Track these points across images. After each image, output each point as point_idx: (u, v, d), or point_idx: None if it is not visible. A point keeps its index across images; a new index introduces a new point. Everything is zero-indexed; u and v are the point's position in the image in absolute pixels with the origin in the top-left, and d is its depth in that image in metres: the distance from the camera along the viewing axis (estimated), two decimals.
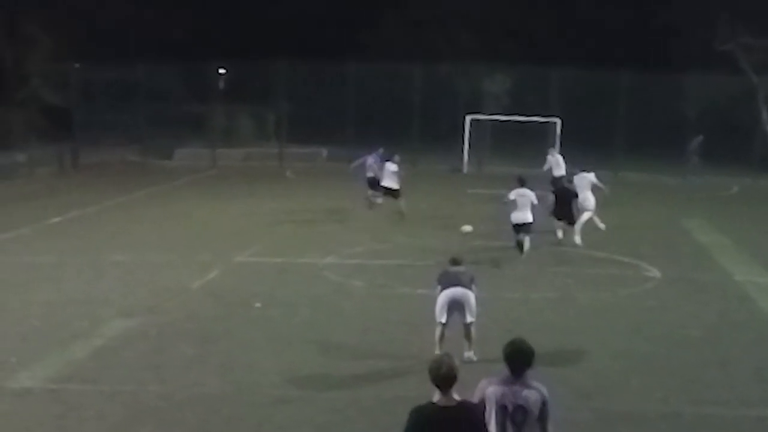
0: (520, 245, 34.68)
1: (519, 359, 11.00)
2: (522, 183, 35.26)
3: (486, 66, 66.94)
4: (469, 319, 21.70)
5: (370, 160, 45.83)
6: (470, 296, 21.70)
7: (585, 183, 39.88)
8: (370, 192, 44.77)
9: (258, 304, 27.18)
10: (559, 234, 37.58)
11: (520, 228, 34.84)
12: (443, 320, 21.53)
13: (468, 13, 74.53)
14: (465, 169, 57.72)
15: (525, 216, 35.12)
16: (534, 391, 10.94)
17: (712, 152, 62.48)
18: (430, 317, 21.93)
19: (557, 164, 52.29)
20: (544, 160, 57.18)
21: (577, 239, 37.06)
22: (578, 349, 23.42)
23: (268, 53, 66.05)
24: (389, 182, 43.89)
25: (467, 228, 33.73)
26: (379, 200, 44.35)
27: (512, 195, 35.35)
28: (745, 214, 47.76)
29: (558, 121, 61.39)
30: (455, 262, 22.39)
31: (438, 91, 65.19)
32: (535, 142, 57.71)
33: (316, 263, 32.79)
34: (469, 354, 21.59)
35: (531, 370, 11.11)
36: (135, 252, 34.15)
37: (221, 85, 69.63)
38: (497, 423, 10.67)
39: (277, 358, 22.20)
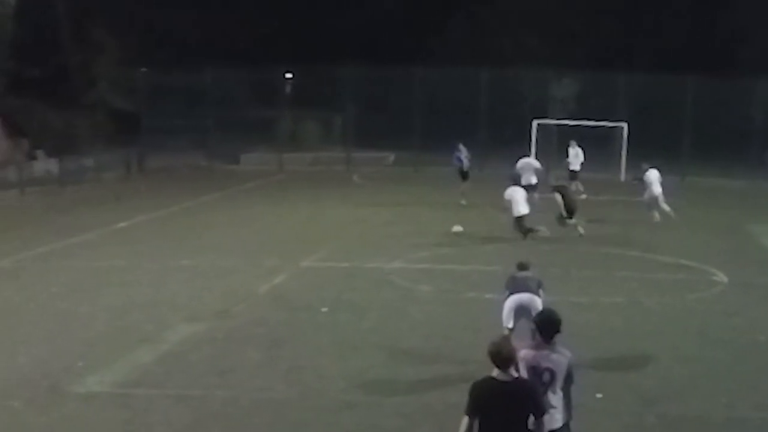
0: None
1: (549, 326, 11.52)
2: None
3: (553, 71, 66.79)
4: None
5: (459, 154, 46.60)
6: (537, 301, 21.31)
7: (655, 177, 41.82)
8: (462, 177, 45.66)
9: (325, 309, 27.12)
10: (581, 230, 38.64)
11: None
12: (510, 325, 21.27)
13: (535, 18, 74.35)
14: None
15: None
16: (561, 356, 11.54)
17: None
18: (496, 322, 21.52)
19: (576, 157, 53.01)
20: (610, 165, 57.31)
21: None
22: (644, 353, 23.21)
23: (334, 58, 66.04)
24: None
25: (457, 228, 35.13)
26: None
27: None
28: None
29: (625, 125, 61.19)
30: (522, 267, 22.21)
31: (504, 96, 64.81)
32: (601, 147, 57.54)
33: (382, 268, 32.73)
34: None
35: (559, 335, 11.44)
36: (202, 256, 34.30)
37: (288, 90, 69.60)
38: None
39: (343, 362, 22.15)
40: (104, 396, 19.83)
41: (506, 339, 11.45)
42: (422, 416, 14.17)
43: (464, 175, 46.39)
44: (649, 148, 60.86)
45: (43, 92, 64.74)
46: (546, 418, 10.98)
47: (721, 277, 32.61)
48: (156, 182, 55.50)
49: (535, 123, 61.76)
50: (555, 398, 11.61)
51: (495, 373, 10.55)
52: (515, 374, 10.75)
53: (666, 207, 41.51)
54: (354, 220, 43.33)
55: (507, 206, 37.59)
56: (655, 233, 40.86)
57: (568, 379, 11.50)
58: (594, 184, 52.23)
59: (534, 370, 11.55)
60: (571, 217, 37.98)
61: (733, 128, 63.86)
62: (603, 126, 59.95)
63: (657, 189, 42.29)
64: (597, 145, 55.81)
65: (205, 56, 65.97)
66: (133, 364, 22.03)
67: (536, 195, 44.86)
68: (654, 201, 42.13)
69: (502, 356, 10.57)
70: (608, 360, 22.69)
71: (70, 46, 70.02)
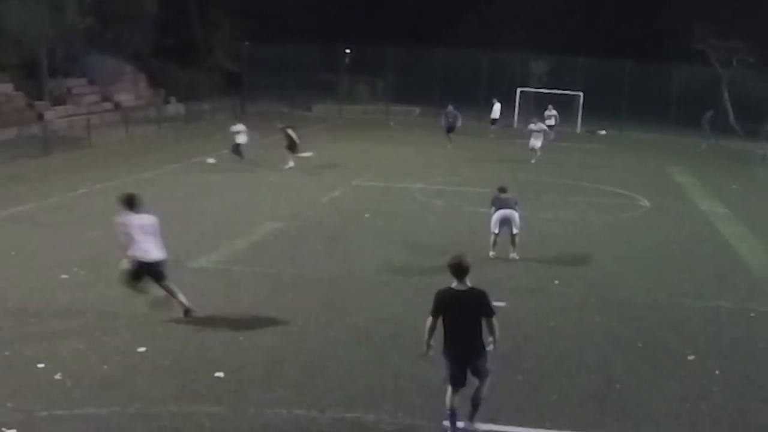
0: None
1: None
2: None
3: (533, 54, 66.56)
4: (515, 231, 21.96)
5: (450, 112, 46.22)
6: (516, 215, 21.97)
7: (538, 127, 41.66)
8: (448, 134, 45.04)
9: (367, 215, 27.29)
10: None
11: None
12: (496, 231, 21.91)
13: (522, 15, 73.88)
14: (515, 125, 57.05)
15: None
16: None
17: (691, 120, 61.77)
18: (486, 228, 22.12)
19: (496, 111, 54.86)
20: (570, 122, 57.13)
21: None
22: (590, 254, 23.37)
23: (379, 39, 65.79)
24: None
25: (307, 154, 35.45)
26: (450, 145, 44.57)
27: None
28: (709, 164, 47.03)
29: (581, 94, 60.78)
30: (502, 189, 22.73)
31: (498, 71, 64.59)
32: (565, 109, 57.27)
33: (409, 187, 32.70)
34: (513, 254, 21.98)
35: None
36: (282, 175, 34.29)
37: (346, 60, 69.45)
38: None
39: (379, 253, 22.32)
40: (211, 270, 19.99)
41: (463, 255, 10.96)
42: (432, 292, 14.11)
43: (450, 129, 45.79)
44: (597, 111, 61.16)
45: (175, 57, 64.94)
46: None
47: (645, 202, 32.59)
48: (253, 123, 55.15)
49: (518, 90, 61.31)
50: None
51: (454, 284, 10.68)
52: (469, 284, 10.70)
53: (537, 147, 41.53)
54: (390, 154, 43.13)
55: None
56: (599, 170, 40.72)
57: (485, 310, 10.96)
58: (559, 135, 51.87)
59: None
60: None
61: (657, 99, 63.56)
62: (566, 94, 59.54)
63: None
64: (562, 107, 55.52)
65: (289, 34, 65.97)
66: (231, 249, 22.14)
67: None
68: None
69: (461, 270, 10.68)
70: (564, 258, 22.74)
71: (196, 24, 69.88)
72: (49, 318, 16.07)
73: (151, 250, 15.60)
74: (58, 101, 48.96)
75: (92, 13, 46.22)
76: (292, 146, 35.96)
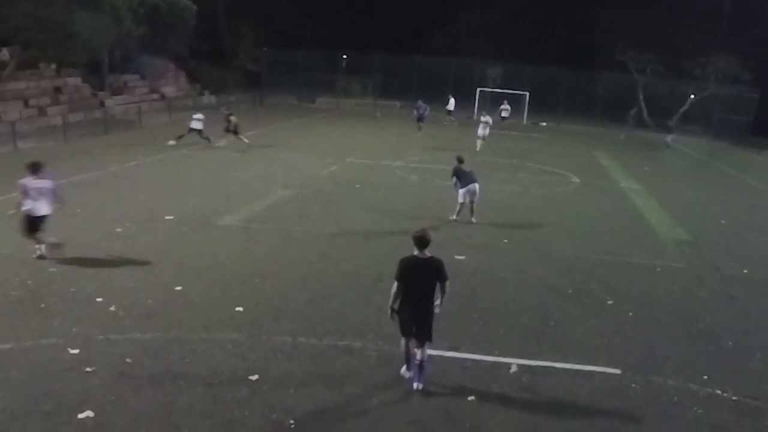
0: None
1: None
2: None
3: (489, 61, 66.32)
4: (476, 200, 21.84)
5: (420, 107, 45.84)
6: (478, 187, 21.85)
7: (486, 119, 40.24)
8: (418, 124, 44.63)
9: (357, 185, 27.03)
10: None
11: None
12: (462, 201, 21.77)
13: (482, 30, 73.60)
14: (475, 116, 56.70)
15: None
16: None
17: (613, 116, 61.83)
18: (449, 196, 22.27)
19: (451, 104, 54.33)
20: (518, 115, 57.04)
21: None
22: (531, 219, 23.33)
23: (371, 47, 65.60)
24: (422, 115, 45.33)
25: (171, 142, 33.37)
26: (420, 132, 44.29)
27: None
28: (627, 150, 46.98)
29: (527, 94, 60.51)
30: (460, 159, 22.34)
31: (462, 75, 64.13)
32: (514, 105, 56.99)
33: (390, 164, 32.39)
34: (472, 219, 21.81)
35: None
36: (291, 153, 33.92)
37: (344, 64, 69.04)
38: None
39: (366, 215, 22.17)
40: (234, 227, 19.82)
41: (425, 230, 10.76)
42: (406, 243, 13.82)
43: (420, 120, 45.16)
44: (540, 107, 61.06)
45: (208, 59, 64.62)
46: None
47: (576, 179, 32.51)
48: (269, 111, 54.92)
49: (478, 90, 60.94)
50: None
51: (416, 252, 10.45)
52: (428, 254, 10.51)
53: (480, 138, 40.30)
54: (376, 138, 42.81)
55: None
56: (540, 153, 40.62)
57: (442, 276, 10.69)
58: (510, 126, 51.82)
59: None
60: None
61: (586, 98, 63.60)
62: (515, 93, 59.22)
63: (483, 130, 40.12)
64: (512, 104, 55.42)
65: (299, 42, 65.78)
66: (250, 210, 21.94)
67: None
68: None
69: (423, 241, 10.48)
70: (511, 222, 22.62)
71: (225, 34, 69.41)
72: (106, 262, 15.99)
73: (40, 208, 15.46)
74: (116, 92, 48.94)
75: (144, 22, 46.32)
76: (232, 129, 34.31)
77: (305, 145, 37.08)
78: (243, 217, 21.07)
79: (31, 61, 41.41)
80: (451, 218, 21.77)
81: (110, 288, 14.37)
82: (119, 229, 18.81)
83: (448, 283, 10.72)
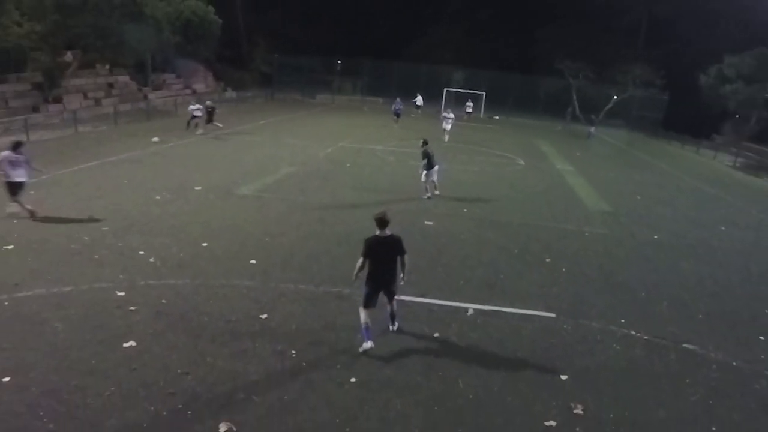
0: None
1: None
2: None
3: (453, 67, 65.98)
4: (438, 179, 21.70)
5: (397, 103, 45.62)
6: (439, 168, 21.68)
7: (449, 115, 39.06)
8: (395, 118, 44.38)
9: (348, 165, 26.79)
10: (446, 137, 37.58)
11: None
12: (423, 180, 21.42)
13: (449, 42, 73.13)
14: (442, 112, 56.48)
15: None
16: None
17: (552, 112, 61.88)
18: (418, 174, 21.71)
19: (419, 100, 54.66)
20: (477, 110, 56.86)
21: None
22: (486, 193, 23.14)
23: (360, 55, 65.30)
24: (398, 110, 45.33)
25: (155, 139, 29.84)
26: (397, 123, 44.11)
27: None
28: (562, 139, 46.94)
29: (484, 93, 60.10)
30: (425, 142, 21.77)
31: (433, 77, 63.61)
32: (474, 102, 56.85)
33: (374, 148, 32.12)
34: (437, 192, 21.66)
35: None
36: (296, 138, 33.61)
37: (338, 68, 68.48)
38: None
39: (354, 188, 21.99)
40: (250, 196, 19.67)
41: (385, 212, 10.13)
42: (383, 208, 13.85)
43: (397, 115, 44.91)
44: (494, 104, 60.71)
45: (230, 62, 64.33)
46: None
47: (521, 162, 32.40)
48: (278, 105, 54.44)
49: (445, 90, 60.40)
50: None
51: (377, 232, 9.95)
52: (389, 233, 10.01)
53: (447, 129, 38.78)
54: (363, 126, 42.41)
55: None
56: (493, 141, 40.49)
57: (401, 250, 10.10)
58: (472, 119, 51.68)
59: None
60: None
61: (531, 97, 63.68)
62: (475, 93, 58.92)
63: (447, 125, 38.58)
64: (473, 101, 55.31)
65: (303, 50, 65.16)
66: (263, 183, 21.76)
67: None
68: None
69: (383, 222, 9.96)
70: (470, 195, 22.51)
71: (244, 42, 68.64)
72: (146, 222, 15.86)
73: (17, 176, 15.28)
74: (156, 87, 48.50)
75: (180, 33, 46.17)
76: (209, 119, 33.03)
77: (307, 132, 36.74)
78: (257, 189, 20.90)
79: (90, 62, 41.41)
80: (425, 197, 21.38)
81: (150, 243, 14.28)
82: (158, 197, 18.66)
83: (407, 257, 10.18)
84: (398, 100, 46.57)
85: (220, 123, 34.30)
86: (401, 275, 10.29)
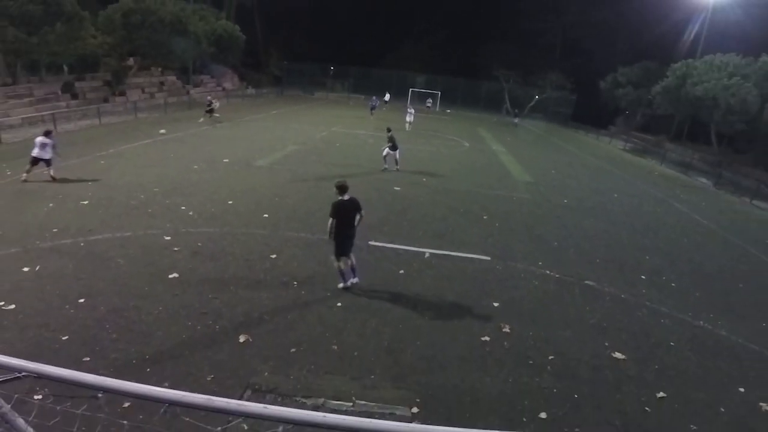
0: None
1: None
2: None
3: (418, 73, 65.11)
4: (399, 156, 21.36)
5: (373, 100, 44.97)
6: (400, 151, 21.39)
7: (411, 110, 37.59)
8: (371, 111, 43.73)
9: (338, 145, 26.27)
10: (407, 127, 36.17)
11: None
12: (385, 155, 21.11)
13: (416, 55, 71.86)
14: (408, 108, 56.14)
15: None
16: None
17: (491, 107, 61.49)
18: (392, 155, 21.40)
19: (387, 96, 52.16)
20: (428, 103, 56.34)
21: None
22: (440, 168, 22.86)
23: (348, 63, 64.20)
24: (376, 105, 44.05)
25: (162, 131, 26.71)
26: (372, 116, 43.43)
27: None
28: (498, 128, 46.50)
29: (439, 93, 59.30)
30: (389, 129, 21.70)
31: (401, 80, 62.61)
32: (433, 99, 56.32)
33: (357, 133, 31.54)
34: (397, 167, 21.16)
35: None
36: (299, 124, 32.97)
37: (331, 72, 67.17)
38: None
39: (342, 163, 21.55)
40: (264, 167, 19.31)
41: (344, 180, 9.61)
42: (365, 182, 13.53)
43: (372, 108, 43.72)
44: (448, 101, 60.20)
45: (252, 67, 62.63)
46: None
47: (466, 144, 32.02)
48: (287, 100, 53.40)
49: (410, 90, 59.43)
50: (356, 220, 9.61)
51: (340, 196, 9.38)
52: (348, 196, 9.41)
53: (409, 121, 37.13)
54: (350, 116, 41.67)
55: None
56: (446, 129, 40.07)
57: (360, 210, 9.55)
58: (431, 112, 51.09)
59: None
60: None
61: (474, 96, 63.16)
62: (433, 92, 58.20)
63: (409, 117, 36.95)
64: (432, 98, 54.77)
65: (305, 58, 63.81)
66: (272, 157, 21.35)
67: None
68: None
69: (343, 188, 9.42)
70: (427, 169, 22.23)
71: (261, 52, 66.95)
72: (186, 186, 15.53)
73: (42, 154, 14.93)
74: (196, 85, 47.33)
75: (214, 44, 45.39)
76: (209, 111, 31.00)
77: (307, 120, 36.00)
78: (269, 161, 20.54)
79: (146, 66, 41.00)
80: (394, 169, 21.01)
81: (189, 201, 14.02)
82: (195, 167, 18.26)
83: (363, 212, 9.69)
84: (374, 98, 45.81)
85: (219, 114, 32.73)
86: (358, 220, 9.68)
